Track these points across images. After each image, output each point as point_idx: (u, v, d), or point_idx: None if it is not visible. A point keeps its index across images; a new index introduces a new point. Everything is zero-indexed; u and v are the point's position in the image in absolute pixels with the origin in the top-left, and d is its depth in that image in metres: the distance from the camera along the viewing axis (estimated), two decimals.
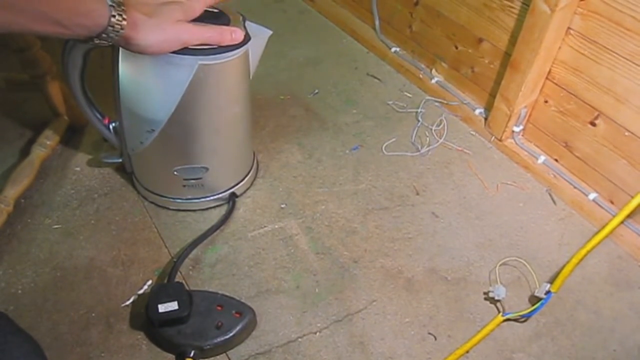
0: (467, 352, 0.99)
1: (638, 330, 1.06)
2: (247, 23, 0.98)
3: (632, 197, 0.96)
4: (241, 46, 0.93)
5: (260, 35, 1.00)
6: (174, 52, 0.84)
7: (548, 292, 1.03)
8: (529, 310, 1.03)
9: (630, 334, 1.05)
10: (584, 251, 1.01)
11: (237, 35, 0.90)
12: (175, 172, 1.10)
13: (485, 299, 1.07)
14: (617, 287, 1.13)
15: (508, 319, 1.03)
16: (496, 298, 1.04)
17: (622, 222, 1.00)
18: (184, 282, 1.06)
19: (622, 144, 1.17)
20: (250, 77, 1.04)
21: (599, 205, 1.24)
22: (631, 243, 1.19)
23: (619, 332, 1.05)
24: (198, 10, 0.85)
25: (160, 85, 0.95)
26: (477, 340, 1.00)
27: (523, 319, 1.04)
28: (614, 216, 1.10)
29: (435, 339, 1.00)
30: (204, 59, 0.89)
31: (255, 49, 1.00)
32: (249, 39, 0.95)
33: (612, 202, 1.23)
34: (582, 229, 1.22)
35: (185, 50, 0.85)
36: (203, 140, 1.06)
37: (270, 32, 1.01)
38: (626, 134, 1.15)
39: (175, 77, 0.92)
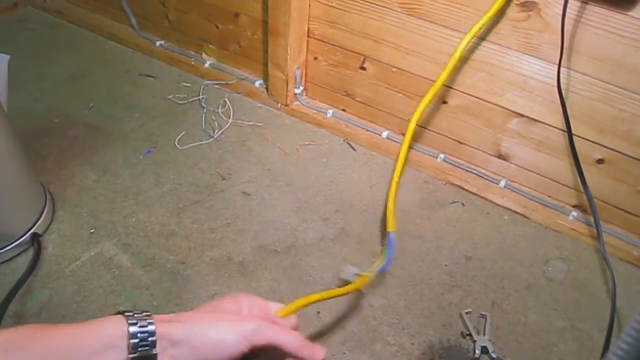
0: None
1: (459, 241, 1.17)
2: None
3: (408, 123, 1.04)
4: None
5: None
6: None
7: (388, 233, 1.03)
8: (383, 258, 1.00)
9: (454, 247, 1.16)
10: (394, 185, 1.04)
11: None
12: None
13: (320, 257, 1.10)
14: (431, 209, 1.23)
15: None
16: (350, 279, 0.95)
17: (409, 147, 1.06)
18: None
19: (393, 80, 1.26)
20: (5, 108, 0.94)
21: (393, 140, 1.34)
22: (431, 166, 1.30)
23: (444, 248, 1.15)
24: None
25: None
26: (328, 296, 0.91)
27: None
28: (400, 145, 1.17)
29: None
30: None
31: None
32: None
33: (404, 134, 1.32)
34: (385, 166, 1.31)
35: None
36: None
37: (7, 57, 0.92)
38: (393, 70, 1.25)
39: None
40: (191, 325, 0.54)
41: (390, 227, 1.05)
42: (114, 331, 0.51)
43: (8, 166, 1.00)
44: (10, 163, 1.01)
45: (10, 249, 1.06)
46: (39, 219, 1.10)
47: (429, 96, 1.03)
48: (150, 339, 0.51)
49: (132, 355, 0.50)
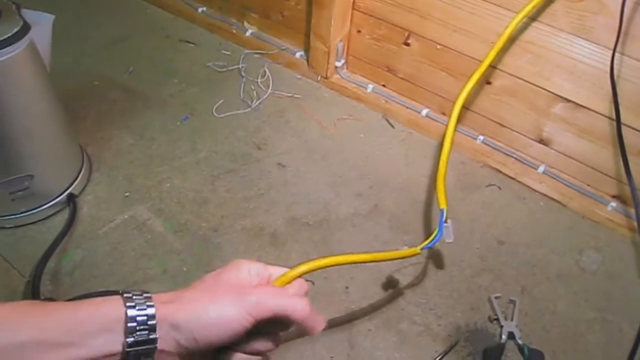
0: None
1: (493, 224, 1.15)
2: (24, 11, 0.88)
3: (454, 104, 1.01)
4: (21, 38, 0.84)
5: (43, 22, 0.91)
6: None
7: (441, 210, 0.94)
8: (435, 233, 0.91)
9: (487, 230, 1.14)
10: (442, 166, 0.98)
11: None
12: None
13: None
14: (467, 190, 1.22)
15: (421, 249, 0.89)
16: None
17: (456, 128, 1.01)
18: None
19: (437, 57, 1.24)
20: (48, 68, 0.95)
21: (433, 119, 1.32)
22: (469, 147, 1.28)
23: (477, 231, 1.14)
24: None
25: None
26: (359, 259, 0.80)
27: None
28: (446, 125, 1.11)
29: (314, 284, 1.02)
30: None
31: (41, 37, 0.91)
32: (29, 28, 0.86)
33: (443, 114, 1.31)
34: (423, 145, 1.30)
35: None
36: (16, 146, 0.96)
37: (52, 17, 0.92)
38: (438, 47, 1.22)
39: None
40: (192, 306, 0.51)
41: (443, 204, 0.95)
42: (111, 314, 0.49)
43: (48, 126, 1.02)
44: (50, 123, 1.02)
45: (47, 207, 1.08)
46: (75, 179, 1.12)
47: (476, 76, 1.01)
48: (149, 322, 0.49)
49: (129, 340, 0.48)
